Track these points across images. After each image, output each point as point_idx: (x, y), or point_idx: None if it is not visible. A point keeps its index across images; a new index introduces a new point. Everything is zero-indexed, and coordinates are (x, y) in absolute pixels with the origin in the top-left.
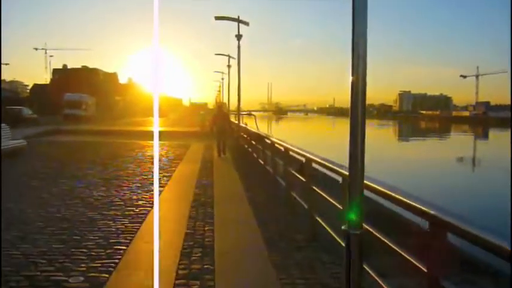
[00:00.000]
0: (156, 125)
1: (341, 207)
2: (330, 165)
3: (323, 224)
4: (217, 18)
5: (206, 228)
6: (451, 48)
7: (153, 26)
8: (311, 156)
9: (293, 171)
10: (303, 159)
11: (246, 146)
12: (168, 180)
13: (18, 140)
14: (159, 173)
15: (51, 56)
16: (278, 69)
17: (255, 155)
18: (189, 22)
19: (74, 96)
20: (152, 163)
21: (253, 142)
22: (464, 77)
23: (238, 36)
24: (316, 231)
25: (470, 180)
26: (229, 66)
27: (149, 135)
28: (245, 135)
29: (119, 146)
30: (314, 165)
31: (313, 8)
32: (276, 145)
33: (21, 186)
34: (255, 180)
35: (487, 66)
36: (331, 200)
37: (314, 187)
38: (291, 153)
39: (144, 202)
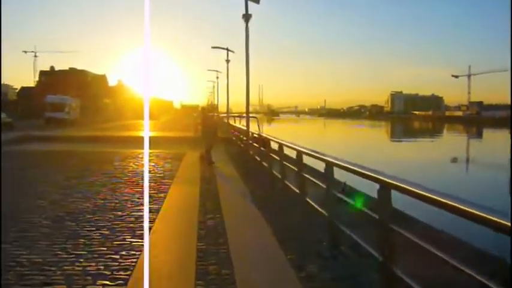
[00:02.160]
0: (146, 134)
1: None
2: None
3: None
4: None
5: None
6: (443, 48)
7: (144, 25)
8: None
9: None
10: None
11: (259, 159)
12: (153, 221)
13: None
14: (139, 205)
15: (35, 56)
16: (268, 70)
17: (276, 174)
18: (181, 19)
19: (56, 98)
20: (135, 185)
21: (275, 156)
22: (456, 76)
23: (247, 17)
24: None
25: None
26: (227, 61)
27: (136, 142)
28: (256, 144)
29: (96, 157)
30: None
31: (304, 7)
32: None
33: None
34: (287, 216)
35: (477, 65)
36: None
37: None
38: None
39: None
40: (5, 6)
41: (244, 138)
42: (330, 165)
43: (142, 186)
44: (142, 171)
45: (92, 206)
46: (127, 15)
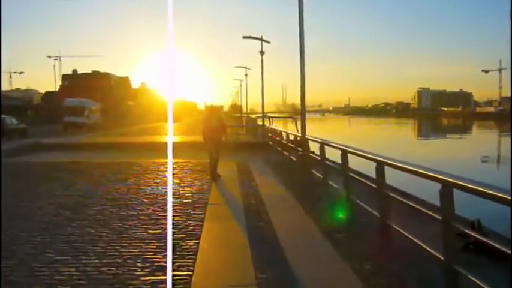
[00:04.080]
0: (170, 143)
1: None
2: None
3: None
4: None
5: None
6: (471, 43)
7: (167, 25)
8: None
9: None
10: None
11: (322, 176)
12: None
13: None
14: (155, 271)
15: (55, 59)
16: (291, 68)
17: (362, 205)
18: (206, 15)
19: (75, 102)
20: (151, 221)
21: (366, 181)
22: (487, 71)
23: None
24: None
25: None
26: (262, 52)
27: (158, 149)
28: (317, 157)
29: (108, 172)
30: None
31: (328, 4)
32: None
33: None
34: None
35: (508, 60)
36: None
37: None
38: None
39: None
40: (32, 12)
41: (298, 148)
42: None
43: (161, 222)
44: (163, 194)
45: (77, 272)
46: (150, 16)
